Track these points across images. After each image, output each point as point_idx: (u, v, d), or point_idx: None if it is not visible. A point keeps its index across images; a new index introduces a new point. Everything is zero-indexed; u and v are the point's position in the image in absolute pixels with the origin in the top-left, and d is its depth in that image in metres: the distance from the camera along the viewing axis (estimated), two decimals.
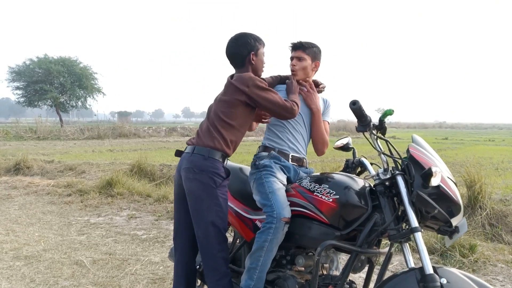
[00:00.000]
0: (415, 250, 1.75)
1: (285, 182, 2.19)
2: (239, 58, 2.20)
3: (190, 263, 2.29)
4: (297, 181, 2.16)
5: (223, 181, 2.14)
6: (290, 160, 2.28)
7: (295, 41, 2.37)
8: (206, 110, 2.34)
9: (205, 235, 2.09)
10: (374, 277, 2.06)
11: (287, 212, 2.01)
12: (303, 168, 2.34)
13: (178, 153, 2.29)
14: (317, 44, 2.40)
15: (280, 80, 2.42)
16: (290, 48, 2.40)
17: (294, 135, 2.32)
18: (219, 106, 2.16)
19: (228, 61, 2.27)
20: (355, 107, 1.85)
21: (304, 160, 2.36)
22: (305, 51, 2.33)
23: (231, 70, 2.31)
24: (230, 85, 2.14)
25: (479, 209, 4.36)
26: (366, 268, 2.10)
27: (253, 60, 2.20)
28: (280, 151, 2.28)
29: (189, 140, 2.26)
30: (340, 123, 32.74)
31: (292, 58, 2.38)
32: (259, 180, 2.16)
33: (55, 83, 32.02)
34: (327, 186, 1.97)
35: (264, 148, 2.34)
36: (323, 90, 2.53)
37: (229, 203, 2.31)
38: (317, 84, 2.47)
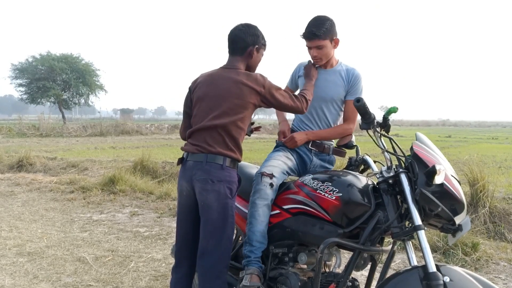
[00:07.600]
0: (418, 248, 1.74)
1: (294, 160, 2.32)
2: (242, 43, 2.07)
3: (192, 279, 2.17)
4: (300, 179, 2.16)
5: (236, 191, 2.08)
6: (310, 144, 2.33)
7: (306, 32, 2.19)
8: None
9: (216, 248, 1.98)
10: (377, 275, 2.05)
11: (267, 169, 2.14)
12: (323, 154, 2.37)
13: (181, 161, 2.13)
14: (327, 17, 2.20)
15: None
16: (302, 37, 2.24)
17: (317, 120, 2.37)
18: (235, 112, 1.99)
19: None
20: (359, 104, 1.84)
21: (325, 146, 2.35)
22: (320, 38, 2.17)
23: None
24: (243, 86, 1.98)
25: (482, 207, 4.34)
26: (368, 266, 2.10)
27: (253, 53, 2.09)
28: None
29: (191, 147, 2.05)
30: None
31: (310, 48, 2.25)
32: (269, 156, 2.34)
33: (58, 80, 32.06)
34: (330, 184, 1.97)
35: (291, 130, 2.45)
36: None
37: None
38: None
